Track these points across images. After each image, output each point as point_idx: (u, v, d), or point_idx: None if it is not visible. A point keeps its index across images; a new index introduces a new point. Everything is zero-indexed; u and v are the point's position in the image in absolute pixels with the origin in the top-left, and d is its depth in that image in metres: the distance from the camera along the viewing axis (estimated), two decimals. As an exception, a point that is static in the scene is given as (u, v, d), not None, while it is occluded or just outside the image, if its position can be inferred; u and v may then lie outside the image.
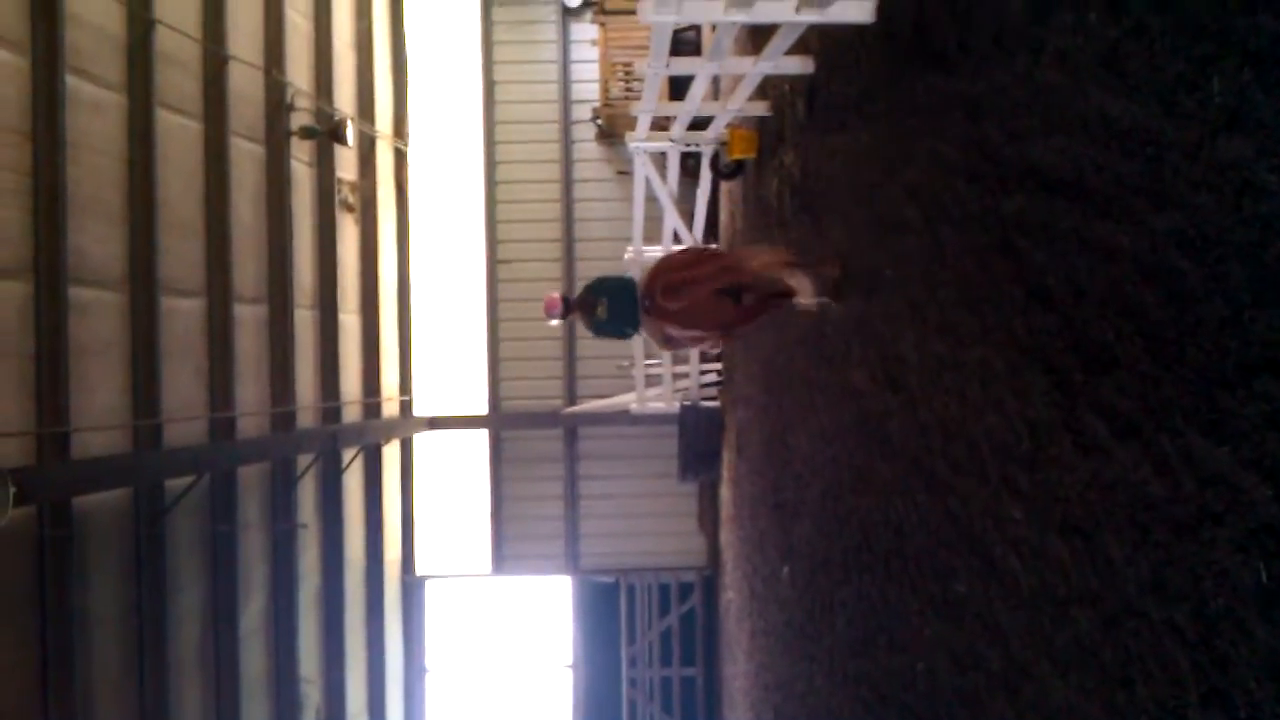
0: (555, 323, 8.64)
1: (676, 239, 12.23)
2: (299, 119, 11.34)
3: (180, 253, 9.23)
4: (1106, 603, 2.65)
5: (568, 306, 8.03)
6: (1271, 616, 1.98)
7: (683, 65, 7.19)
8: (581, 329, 15.49)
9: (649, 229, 12.36)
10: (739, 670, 11.80)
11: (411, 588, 15.40)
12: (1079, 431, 2.82)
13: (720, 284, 7.03)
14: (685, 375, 14.46)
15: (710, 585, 15.59)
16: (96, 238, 8.13)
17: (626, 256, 12.89)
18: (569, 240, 15.75)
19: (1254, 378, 2.07)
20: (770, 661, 9.16)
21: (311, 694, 11.72)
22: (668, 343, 8.07)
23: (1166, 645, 2.35)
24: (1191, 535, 2.26)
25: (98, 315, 8.16)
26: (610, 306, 7.60)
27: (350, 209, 13.08)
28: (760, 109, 8.70)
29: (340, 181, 12.65)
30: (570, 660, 16.01)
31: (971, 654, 3.69)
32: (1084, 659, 2.79)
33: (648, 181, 10.73)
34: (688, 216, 11.88)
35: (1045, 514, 3.06)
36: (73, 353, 7.70)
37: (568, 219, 15.77)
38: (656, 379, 14.31)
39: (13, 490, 6.51)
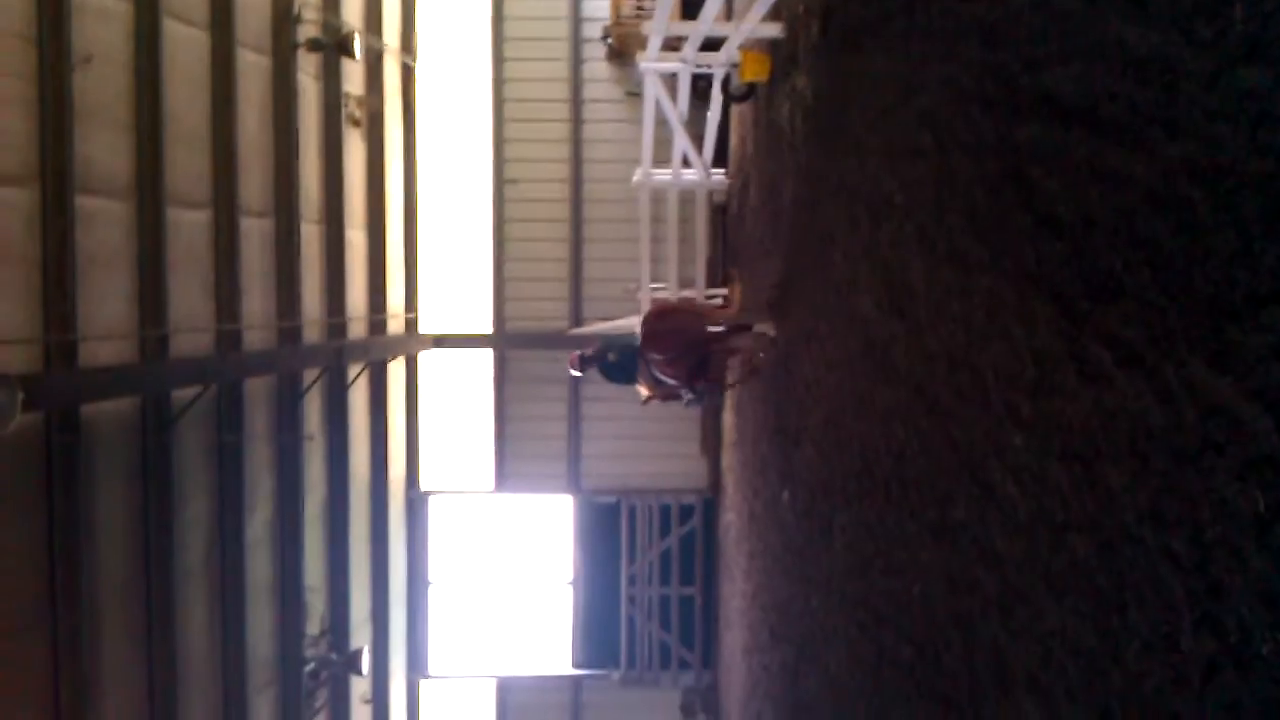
0: (576, 373, 10.72)
1: (685, 163, 12.14)
2: (306, 31, 11.19)
3: (186, 164, 9.19)
4: (1104, 529, 2.69)
5: (584, 360, 10.21)
6: (1267, 544, 2.01)
7: (697, -17, 7.08)
8: (588, 250, 15.54)
9: (658, 152, 12.25)
10: (736, 590, 11.98)
11: (415, 503, 15.57)
12: (1083, 360, 2.83)
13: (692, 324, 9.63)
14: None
15: (710, 508, 15.75)
16: (103, 147, 8.09)
17: (635, 179, 12.81)
18: (576, 161, 15.64)
19: (1261, 309, 2.08)
20: (768, 582, 9.29)
21: (316, 603, 11.92)
22: (655, 386, 9.84)
23: (1162, 571, 2.39)
24: (1191, 464, 2.29)
25: (104, 224, 8.14)
26: (622, 356, 9.88)
27: (357, 124, 12.97)
28: (774, 30, 8.58)
29: (347, 96, 12.52)
30: (571, 577, 16.23)
31: (967, 578, 3.75)
32: (1079, 584, 2.84)
33: (658, 103, 10.61)
34: (698, 140, 11.78)
35: (1046, 442, 3.08)
36: (80, 261, 7.71)
37: (576, 140, 15.63)
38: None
39: (20, 396, 6.57)
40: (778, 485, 8.70)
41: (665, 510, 15.99)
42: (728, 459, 14.04)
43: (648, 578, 16.04)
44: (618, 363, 9.98)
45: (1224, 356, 2.20)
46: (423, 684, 15.90)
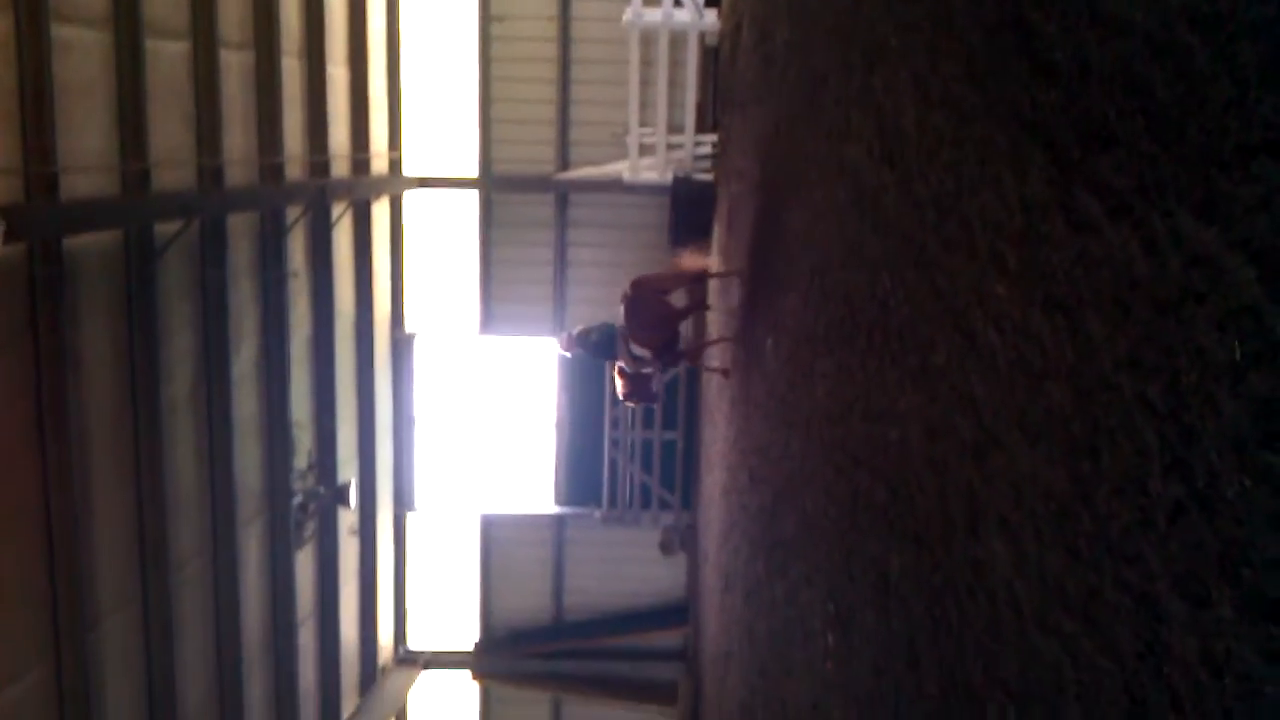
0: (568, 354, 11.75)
1: (677, 2, 11.82)
2: None
3: (163, -9, 8.90)
4: (1082, 377, 2.74)
5: (572, 340, 11.27)
6: (1240, 392, 2.06)
7: None
8: (576, 92, 15.21)
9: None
10: (718, 435, 12.20)
11: (401, 344, 15.66)
12: (1072, 209, 2.83)
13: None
14: (680, 146, 14.27)
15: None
16: (76, -30, 7.82)
17: (625, 19, 12.47)
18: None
19: (1252, 159, 2.07)
20: (749, 428, 9.46)
21: (303, 438, 12.10)
22: (632, 361, 10.76)
23: (1136, 419, 2.45)
24: (1173, 313, 2.32)
25: (81, 54, 7.93)
26: (601, 336, 10.99)
27: (339, -48, 12.53)
28: None
29: (328, -79, 12.06)
30: (555, 420, 16.48)
31: (944, 423, 3.83)
32: (1053, 430, 2.91)
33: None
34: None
35: (1030, 290, 3.11)
36: (58, 92, 7.53)
37: (565, -25, 15.14)
38: (650, 148, 14.12)
39: (2, 226, 6.51)
40: (762, 333, 8.77)
41: (649, 356, 16.12)
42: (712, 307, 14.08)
43: (630, 421, 16.30)
44: (599, 341, 11.07)
45: (1212, 207, 2.21)
46: (409, 518, 16.30)
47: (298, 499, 11.88)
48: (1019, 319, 3.18)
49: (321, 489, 12.43)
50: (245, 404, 10.60)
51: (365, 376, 14.08)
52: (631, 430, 16.30)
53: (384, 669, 15.60)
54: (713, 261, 11.58)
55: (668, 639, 16.82)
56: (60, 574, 7.76)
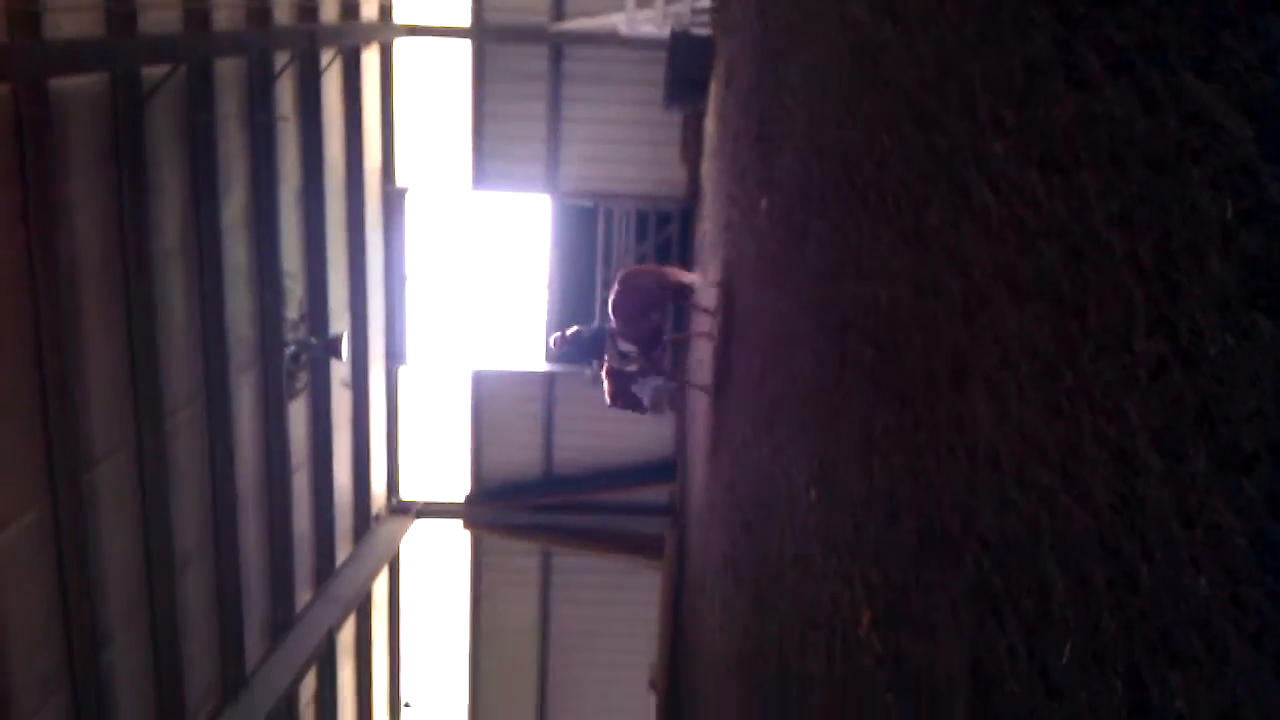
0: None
1: None
2: None
3: None
4: (1073, 235, 2.75)
5: (563, 340, 12.17)
6: (1228, 250, 2.07)
7: None
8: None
9: None
10: (709, 295, 12.21)
11: (392, 198, 15.51)
12: (1073, 66, 2.79)
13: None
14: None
15: (687, 216, 15.80)
16: None
17: None
18: None
19: (1257, 15, 2.04)
20: (739, 288, 9.48)
21: (294, 288, 12.10)
22: (618, 358, 11.75)
23: (1124, 277, 2.47)
24: (1168, 171, 2.31)
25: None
26: (592, 335, 12.01)
27: None
28: None
29: None
30: (546, 278, 16.46)
31: (934, 283, 3.85)
32: (1042, 289, 2.93)
33: None
34: None
35: (1027, 149, 3.09)
36: (36, -77, 7.28)
37: None
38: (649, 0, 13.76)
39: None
40: (756, 193, 8.71)
41: (643, 217, 16.03)
42: (707, 167, 13.95)
43: (622, 282, 16.26)
44: (590, 339, 12.00)
45: (1213, 64, 2.18)
46: (401, 372, 16.42)
47: (290, 349, 11.93)
48: (1015, 178, 3.17)
49: (313, 340, 12.48)
50: (235, 253, 10.55)
51: (356, 229, 13.98)
52: (623, 290, 16.26)
53: (377, 517, 15.94)
54: (698, 276, 12.37)
55: (655, 494, 17.18)
56: (55, 417, 7.84)
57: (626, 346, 11.57)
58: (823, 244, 5.91)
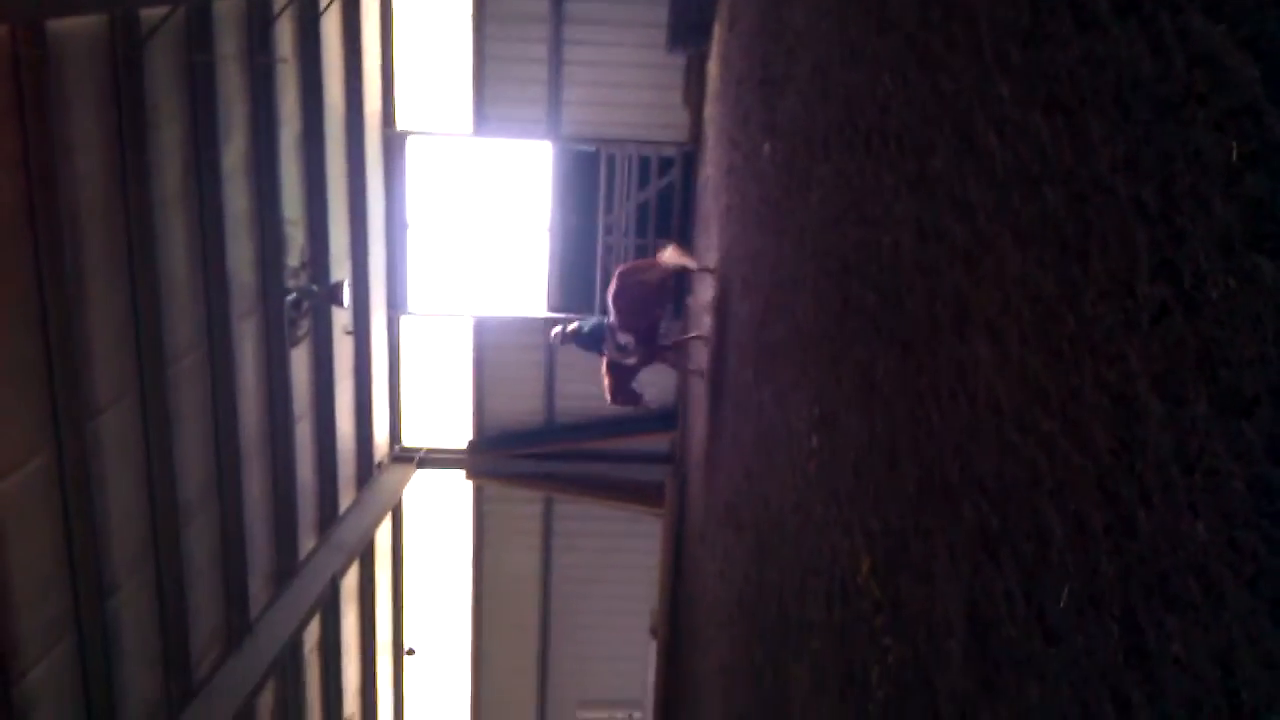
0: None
1: None
2: None
3: None
4: (1077, 179, 2.72)
5: (562, 335, 12.49)
6: (1232, 194, 2.05)
7: None
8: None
9: None
10: (712, 244, 12.18)
11: (393, 143, 15.40)
12: (1081, 6, 2.75)
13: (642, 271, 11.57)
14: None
15: (690, 161, 15.69)
16: None
17: None
18: None
19: (1271, -48, 2.00)
20: (742, 234, 9.44)
21: (295, 235, 12.05)
22: (617, 351, 11.81)
23: (1128, 221, 2.45)
24: (1173, 114, 2.28)
25: None
26: (592, 329, 12.15)
27: None
28: None
29: None
30: (548, 224, 16.38)
31: (937, 228, 3.82)
32: (1046, 233, 2.91)
33: None
34: None
35: (1032, 92, 3.05)
36: None
37: None
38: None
39: (-21, 5, 6.30)
40: (759, 138, 8.64)
41: (645, 162, 15.91)
42: (710, 111, 13.82)
43: (624, 229, 16.22)
44: (590, 333, 12.15)
45: (1220, 4, 2.14)
46: (403, 320, 16.41)
47: (291, 296, 11.91)
48: (1020, 121, 3.14)
49: (315, 287, 12.45)
50: (236, 199, 10.49)
51: (357, 174, 13.90)
52: (625, 237, 16.22)
53: (380, 465, 16.01)
54: (694, 259, 12.44)
55: (656, 443, 17.23)
56: (58, 363, 7.84)
57: (625, 338, 11.63)
58: (825, 189, 5.88)
